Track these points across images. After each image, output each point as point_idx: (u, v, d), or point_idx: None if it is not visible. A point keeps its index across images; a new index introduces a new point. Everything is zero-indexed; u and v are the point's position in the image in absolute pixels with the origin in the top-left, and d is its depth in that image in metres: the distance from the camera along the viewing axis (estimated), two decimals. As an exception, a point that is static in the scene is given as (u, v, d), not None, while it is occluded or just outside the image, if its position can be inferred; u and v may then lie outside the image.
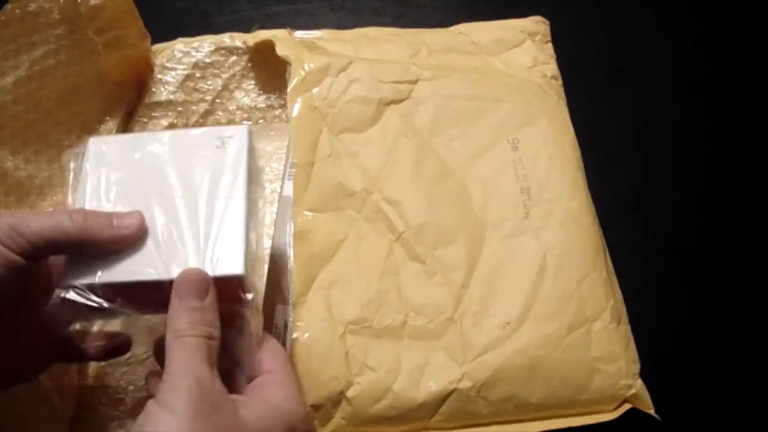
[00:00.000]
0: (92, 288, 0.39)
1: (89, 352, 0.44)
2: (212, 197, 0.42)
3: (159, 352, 0.40)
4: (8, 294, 0.36)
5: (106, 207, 0.42)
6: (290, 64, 0.53)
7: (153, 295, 0.39)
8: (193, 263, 0.39)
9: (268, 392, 0.38)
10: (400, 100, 0.54)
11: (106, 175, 0.43)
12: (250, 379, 0.39)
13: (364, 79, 0.54)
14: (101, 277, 0.39)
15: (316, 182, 0.51)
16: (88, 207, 0.42)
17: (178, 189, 0.42)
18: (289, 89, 0.52)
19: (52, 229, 0.36)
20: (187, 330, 0.35)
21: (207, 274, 0.39)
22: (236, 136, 0.45)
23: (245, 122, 0.61)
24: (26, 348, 0.41)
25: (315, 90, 0.53)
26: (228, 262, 0.40)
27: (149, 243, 0.40)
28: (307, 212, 0.50)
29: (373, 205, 0.50)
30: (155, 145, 0.44)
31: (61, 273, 0.39)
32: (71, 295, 0.38)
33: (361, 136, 0.52)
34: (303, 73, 0.53)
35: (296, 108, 0.52)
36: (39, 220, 0.36)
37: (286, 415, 0.37)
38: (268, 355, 0.40)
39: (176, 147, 0.44)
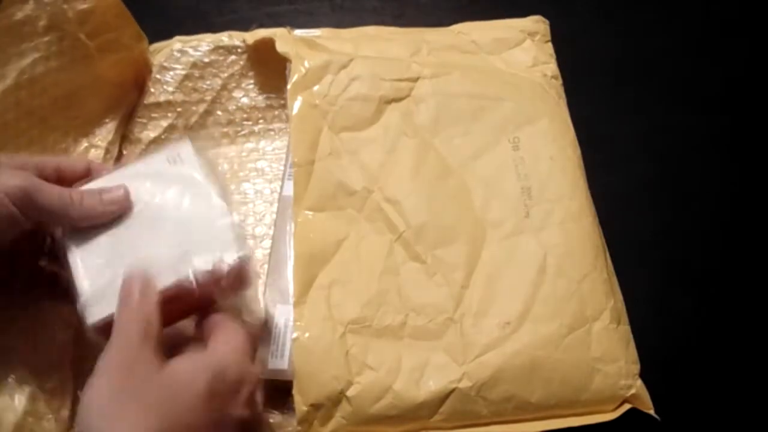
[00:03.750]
0: None
1: None
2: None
3: None
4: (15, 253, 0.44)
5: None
6: (290, 62, 0.53)
7: None
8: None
9: (193, 349, 0.40)
10: (401, 99, 0.54)
11: None
12: None
13: (364, 77, 0.53)
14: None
15: (317, 181, 0.51)
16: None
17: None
18: (289, 86, 0.52)
19: (59, 208, 0.42)
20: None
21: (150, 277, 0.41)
22: (181, 150, 0.47)
23: (245, 122, 0.62)
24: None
25: (315, 87, 0.53)
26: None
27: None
28: (307, 212, 0.50)
29: (374, 204, 0.50)
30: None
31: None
32: None
33: (362, 135, 0.52)
34: (303, 70, 0.53)
35: (296, 106, 0.52)
36: (49, 194, 0.41)
37: (210, 362, 0.39)
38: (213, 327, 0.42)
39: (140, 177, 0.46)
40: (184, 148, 0.47)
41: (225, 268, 0.43)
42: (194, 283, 0.42)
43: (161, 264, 0.43)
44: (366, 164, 0.51)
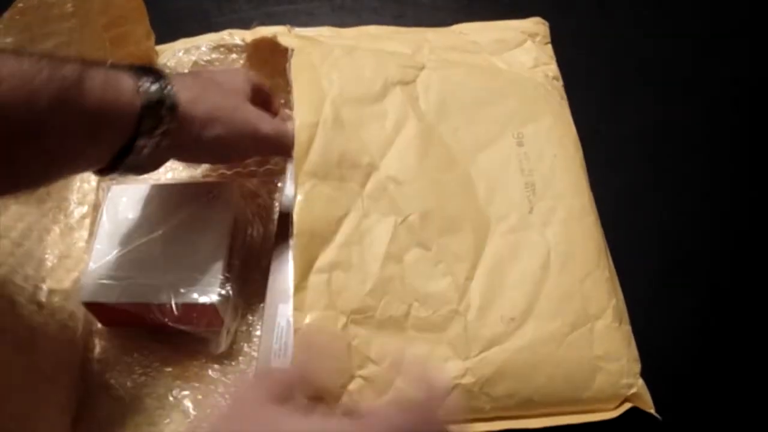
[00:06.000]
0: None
1: None
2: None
3: None
4: None
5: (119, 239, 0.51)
6: (292, 49, 0.52)
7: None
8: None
9: None
10: (407, 83, 0.53)
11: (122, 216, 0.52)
12: None
13: (370, 60, 0.53)
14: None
15: (319, 145, 0.48)
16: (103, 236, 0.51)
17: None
18: (291, 61, 0.51)
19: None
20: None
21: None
22: (222, 190, 0.53)
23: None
24: None
25: (319, 64, 0.52)
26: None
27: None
28: (309, 179, 0.47)
29: (377, 182, 0.49)
30: (162, 195, 0.53)
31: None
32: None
33: (366, 110, 0.51)
34: (306, 54, 0.52)
35: (299, 77, 0.51)
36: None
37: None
38: None
39: (175, 199, 0.52)
40: (226, 191, 0.53)
41: (204, 303, 0.48)
42: (174, 309, 0.48)
43: (155, 282, 0.48)
44: (370, 140, 0.50)
